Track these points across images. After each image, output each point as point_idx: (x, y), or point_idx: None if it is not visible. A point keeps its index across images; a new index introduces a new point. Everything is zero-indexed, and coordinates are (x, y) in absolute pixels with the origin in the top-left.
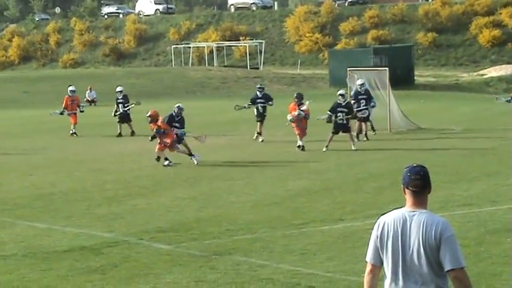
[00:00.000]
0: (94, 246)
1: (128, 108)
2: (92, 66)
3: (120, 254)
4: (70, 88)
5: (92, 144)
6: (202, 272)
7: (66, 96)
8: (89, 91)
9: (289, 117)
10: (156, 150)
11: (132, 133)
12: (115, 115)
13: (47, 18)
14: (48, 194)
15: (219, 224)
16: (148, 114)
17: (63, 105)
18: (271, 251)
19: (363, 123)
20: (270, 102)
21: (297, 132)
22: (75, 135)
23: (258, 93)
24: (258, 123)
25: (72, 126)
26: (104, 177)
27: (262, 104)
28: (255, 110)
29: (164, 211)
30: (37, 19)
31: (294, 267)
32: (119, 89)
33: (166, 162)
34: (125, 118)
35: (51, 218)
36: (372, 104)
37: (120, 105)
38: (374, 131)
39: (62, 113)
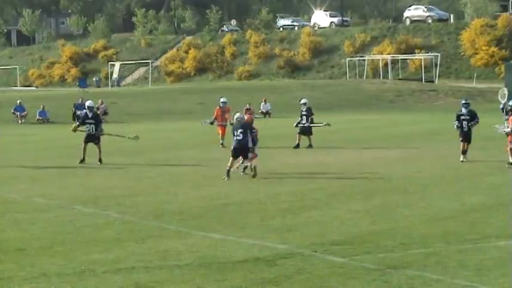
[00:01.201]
0: (268, 258)
1: (313, 125)
2: (266, 78)
3: (294, 266)
4: (221, 100)
5: (265, 156)
6: (376, 285)
7: (217, 107)
8: (263, 103)
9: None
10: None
11: (309, 146)
12: (296, 126)
13: (237, 30)
14: (223, 205)
15: (393, 238)
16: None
17: (214, 116)
18: (445, 266)
19: None
20: (476, 120)
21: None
22: (222, 146)
23: (463, 109)
24: (461, 142)
25: (220, 138)
26: (278, 188)
27: (466, 122)
28: (456, 127)
29: (338, 224)
30: (227, 30)
31: (469, 283)
32: (303, 101)
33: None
34: (306, 131)
35: (225, 229)
36: None
37: (304, 117)
38: None
39: (212, 123)
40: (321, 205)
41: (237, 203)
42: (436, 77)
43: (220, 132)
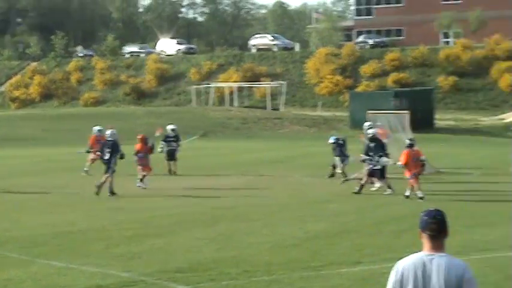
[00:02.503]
0: (111, 286)
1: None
2: (112, 105)
3: None
4: (97, 128)
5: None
6: None
7: (93, 135)
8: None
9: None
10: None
11: (174, 172)
12: (161, 152)
13: (91, 55)
14: (66, 233)
15: (236, 265)
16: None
17: (90, 145)
18: None
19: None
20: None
21: (415, 184)
22: (86, 173)
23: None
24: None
25: (87, 164)
26: (123, 216)
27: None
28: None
29: (182, 251)
30: (81, 55)
31: None
32: (171, 127)
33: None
34: (171, 156)
35: (69, 257)
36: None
37: (172, 142)
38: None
39: (88, 152)
40: (165, 232)
41: (82, 231)
42: (281, 104)
43: (90, 159)
